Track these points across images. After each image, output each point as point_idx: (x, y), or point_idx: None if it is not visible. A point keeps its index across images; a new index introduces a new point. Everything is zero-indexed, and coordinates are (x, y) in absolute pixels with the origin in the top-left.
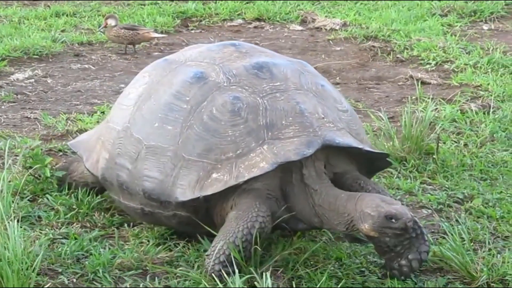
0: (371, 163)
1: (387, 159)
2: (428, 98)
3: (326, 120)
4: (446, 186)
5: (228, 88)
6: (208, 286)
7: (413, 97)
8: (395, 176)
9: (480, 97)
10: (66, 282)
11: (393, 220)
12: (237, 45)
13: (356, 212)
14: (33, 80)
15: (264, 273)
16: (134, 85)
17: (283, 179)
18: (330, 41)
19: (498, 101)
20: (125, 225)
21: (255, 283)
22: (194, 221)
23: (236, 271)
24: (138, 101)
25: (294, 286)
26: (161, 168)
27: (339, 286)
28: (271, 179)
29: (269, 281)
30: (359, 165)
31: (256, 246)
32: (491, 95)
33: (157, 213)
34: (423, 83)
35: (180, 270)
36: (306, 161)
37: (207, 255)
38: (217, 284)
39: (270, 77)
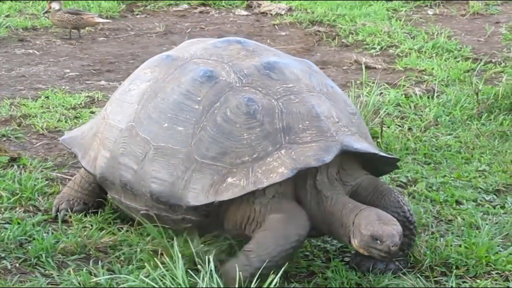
0: (380, 166)
1: (396, 163)
2: (373, 83)
3: (341, 124)
4: None
5: (241, 89)
6: (149, 268)
7: (358, 82)
8: None
9: (424, 81)
10: (9, 267)
11: (378, 242)
12: (242, 42)
13: (352, 225)
14: None
15: (207, 257)
16: (134, 81)
17: (298, 184)
18: (276, 26)
19: (442, 85)
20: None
21: (198, 266)
22: (203, 225)
23: (180, 256)
24: (143, 99)
25: (237, 269)
26: (171, 171)
27: (282, 269)
28: (288, 184)
29: (212, 264)
30: (367, 169)
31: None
32: (435, 80)
33: (163, 216)
34: (368, 67)
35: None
36: (320, 166)
37: (248, 251)
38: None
39: (283, 78)
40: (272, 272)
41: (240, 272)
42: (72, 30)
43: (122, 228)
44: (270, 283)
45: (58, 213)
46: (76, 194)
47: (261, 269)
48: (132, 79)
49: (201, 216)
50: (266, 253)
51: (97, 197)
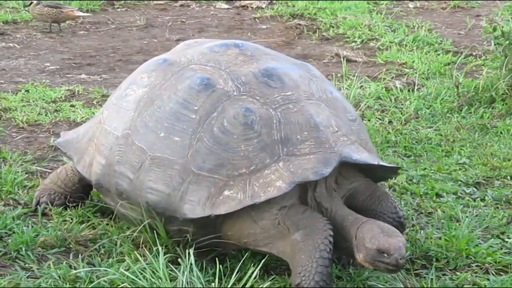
0: (380, 173)
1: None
2: (353, 76)
3: (340, 134)
4: None
5: (238, 98)
6: (129, 262)
7: (339, 75)
8: None
9: (405, 74)
10: None
11: (385, 255)
12: (241, 46)
13: (355, 240)
14: None
15: (188, 250)
16: (131, 86)
17: (301, 197)
18: (256, 20)
19: (423, 78)
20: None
21: (179, 260)
22: (200, 236)
23: (161, 249)
24: (139, 106)
25: (217, 262)
26: (167, 182)
27: (262, 262)
28: (293, 196)
29: (192, 258)
30: (367, 175)
31: None
32: (416, 73)
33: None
34: (348, 61)
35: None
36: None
37: (297, 284)
38: None
39: (281, 86)
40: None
41: None
42: (52, 23)
43: (102, 221)
44: (250, 275)
45: (38, 205)
46: (58, 189)
47: (320, 286)
48: (129, 83)
49: (197, 228)
50: (313, 274)
51: (79, 194)
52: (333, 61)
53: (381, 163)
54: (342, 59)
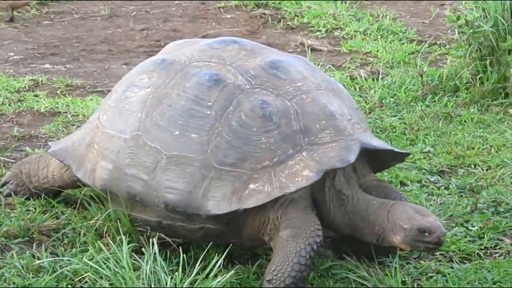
0: (387, 161)
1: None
2: (318, 65)
3: (354, 121)
4: None
5: (252, 91)
6: (93, 251)
7: None
8: None
9: (369, 63)
10: None
11: (427, 234)
12: (239, 41)
13: (387, 222)
14: None
15: (151, 240)
16: (131, 88)
17: (315, 186)
18: (221, 9)
19: (387, 67)
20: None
21: (142, 249)
22: (221, 233)
23: (124, 238)
24: (145, 107)
25: (181, 252)
26: (187, 179)
27: (226, 251)
28: (305, 188)
29: (156, 247)
30: (372, 164)
31: None
32: (380, 62)
33: (178, 226)
34: (313, 50)
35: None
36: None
37: (268, 280)
38: None
39: (290, 77)
40: None
41: None
42: (13, 11)
43: (65, 211)
44: (214, 265)
45: (2, 187)
46: (29, 184)
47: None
48: (127, 85)
49: (221, 224)
50: (286, 277)
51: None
52: (298, 50)
53: (397, 150)
54: (306, 48)
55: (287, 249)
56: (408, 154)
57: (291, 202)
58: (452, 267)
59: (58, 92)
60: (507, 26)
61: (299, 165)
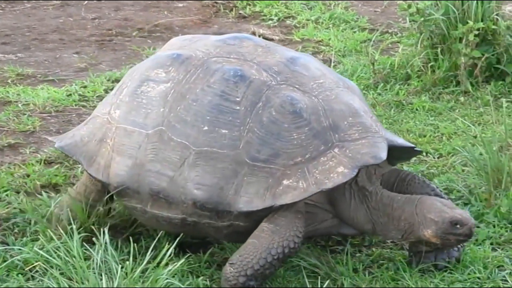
0: (401, 158)
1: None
2: None
3: (374, 119)
4: None
5: (279, 87)
6: (44, 240)
7: None
8: None
9: (321, 52)
10: None
11: (458, 226)
12: (251, 38)
13: (416, 217)
14: None
15: (102, 229)
16: (147, 83)
17: None
18: None
19: (339, 55)
20: None
21: (93, 239)
22: (247, 231)
23: (75, 228)
24: (168, 102)
25: (131, 241)
26: (218, 175)
27: (177, 240)
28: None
29: (107, 237)
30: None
31: None
32: (332, 50)
33: (204, 224)
34: (265, 39)
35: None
36: None
37: (231, 263)
38: None
39: (312, 74)
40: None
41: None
42: None
43: (16, 199)
44: (165, 253)
45: None
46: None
47: (249, 281)
48: (141, 80)
49: (251, 221)
50: (249, 267)
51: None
52: None
53: (417, 148)
54: (258, 37)
55: (261, 240)
56: (421, 151)
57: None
58: (403, 255)
59: (9, 81)
60: (458, 14)
61: (332, 162)
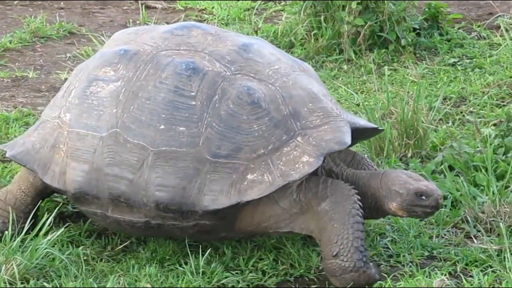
0: (362, 137)
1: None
2: (153, 23)
3: (334, 102)
4: None
5: (233, 77)
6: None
7: (137, 22)
8: None
9: (204, 20)
10: None
11: (424, 197)
12: (199, 26)
13: (381, 191)
14: None
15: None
16: (95, 83)
17: None
18: None
19: (223, 24)
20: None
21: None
22: (214, 229)
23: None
24: (120, 102)
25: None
26: (180, 175)
27: (56, 209)
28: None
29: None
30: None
31: None
32: (216, 19)
33: (169, 225)
34: (147, 7)
35: None
36: None
37: (334, 255)
38: None
39: (266, 60)
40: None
41: (350, 273)
42: None
43: None
44: (44, 223)
45: None
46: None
47: (360, 252)
48: (90, 80)
49: (217, 219)
50: (351, 240)
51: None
52: (132, 7)
53: (380, 128)
54: (140, 6)
55: (337, 216)
56: (382, 130)
57: (306, 181)
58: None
59: None
60: None
61: (296, 151)
